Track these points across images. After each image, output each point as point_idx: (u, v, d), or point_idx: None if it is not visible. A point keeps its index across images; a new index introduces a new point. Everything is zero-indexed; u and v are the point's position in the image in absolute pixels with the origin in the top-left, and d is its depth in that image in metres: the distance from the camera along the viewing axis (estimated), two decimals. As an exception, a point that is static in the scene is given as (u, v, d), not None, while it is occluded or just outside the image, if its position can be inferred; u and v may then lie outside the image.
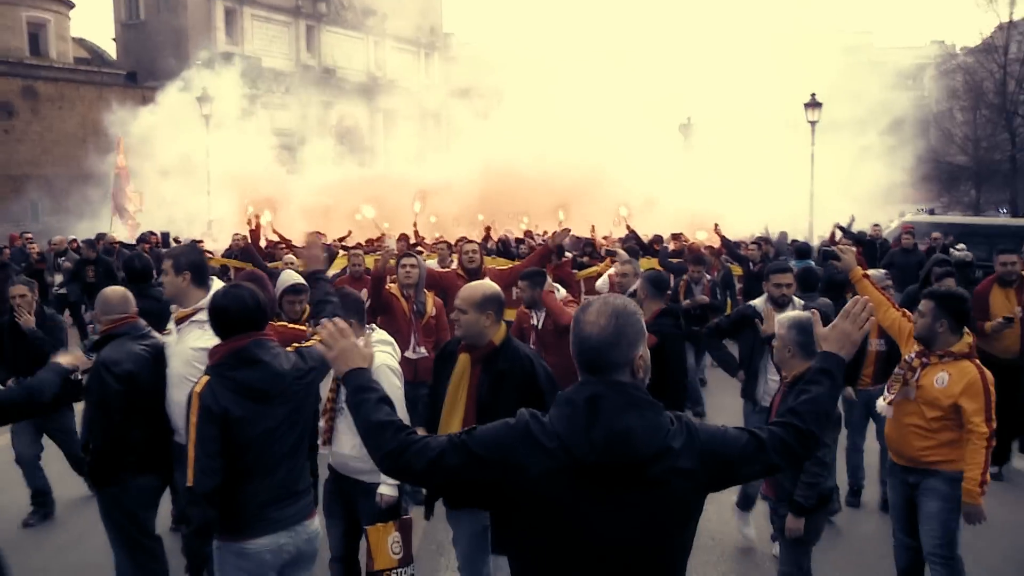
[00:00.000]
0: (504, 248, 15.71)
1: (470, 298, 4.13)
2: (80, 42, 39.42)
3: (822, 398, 2.60)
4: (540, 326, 6.53)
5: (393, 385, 4.23)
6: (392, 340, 4.83)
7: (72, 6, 36.18)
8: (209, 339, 3.83)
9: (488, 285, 4.38)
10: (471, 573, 4.49)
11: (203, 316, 4.11)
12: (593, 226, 16.72)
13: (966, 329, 4.70)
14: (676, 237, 15.79)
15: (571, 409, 2.35)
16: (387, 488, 4.34)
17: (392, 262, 7.25)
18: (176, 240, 18.24)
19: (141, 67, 37.06)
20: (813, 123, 23.12)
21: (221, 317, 3.55)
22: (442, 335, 6.79)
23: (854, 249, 6.69)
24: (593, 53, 29.47)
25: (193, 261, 4.38)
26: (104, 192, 24.44)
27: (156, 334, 4.60)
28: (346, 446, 4.31)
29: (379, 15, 46.83)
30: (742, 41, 29.14)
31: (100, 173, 25.85)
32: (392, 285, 7.00)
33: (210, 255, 13.99)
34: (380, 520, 4.21)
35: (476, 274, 7.63)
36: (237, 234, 15.42)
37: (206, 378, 3.44)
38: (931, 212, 25.90)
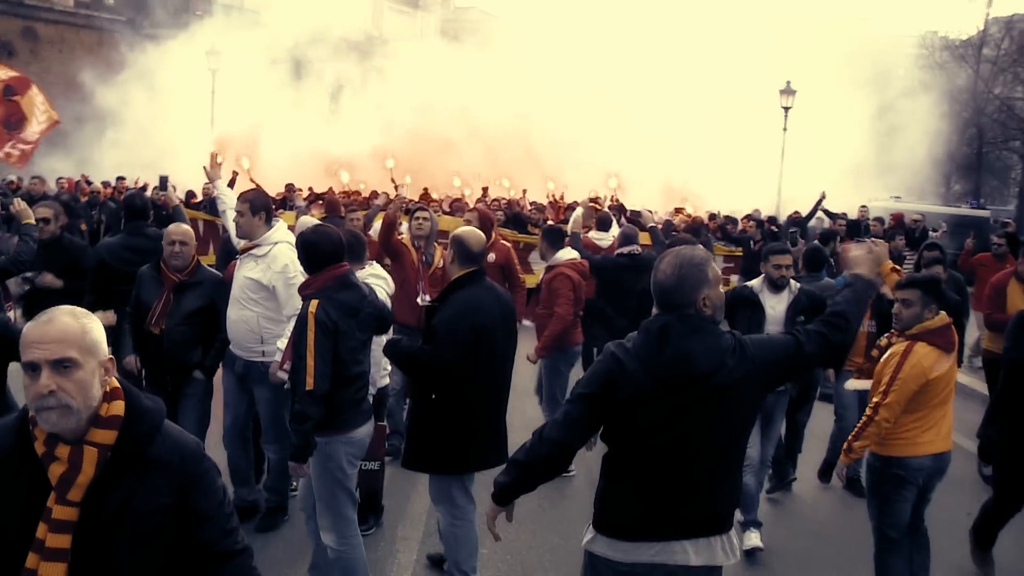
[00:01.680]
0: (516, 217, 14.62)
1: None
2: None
3: (849, 299, 3.18)
4: (540, 281, 7.25)
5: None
6: (387, 275, 5.80)
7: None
8: (260, 272, 5.03)
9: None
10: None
11: (260, 251, 5.16)
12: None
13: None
14: (679, 211, 15.79)
15: (646, 336, 3.00)
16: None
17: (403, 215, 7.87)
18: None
19: (140, 13, 37.43)
20: (787, 108, 24.08)
21: (312, 250, 4.33)
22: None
23: (885, 243, 6.44)
24: (581, 26, 29.79)
25: (265, 204, 5.35)
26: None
27: None
28: None
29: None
30: (727, 21, 29.68)
31: (100, 115, 26.60)
32: (404, 235, 7.39)
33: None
34: None
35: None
36: (207, 183, 15.17)
37: (316, 301, 4.19)
38: (897, 199, 26.88)
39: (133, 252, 6.23)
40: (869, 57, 29.50)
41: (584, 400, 3.05)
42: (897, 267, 5.73)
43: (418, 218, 7.29)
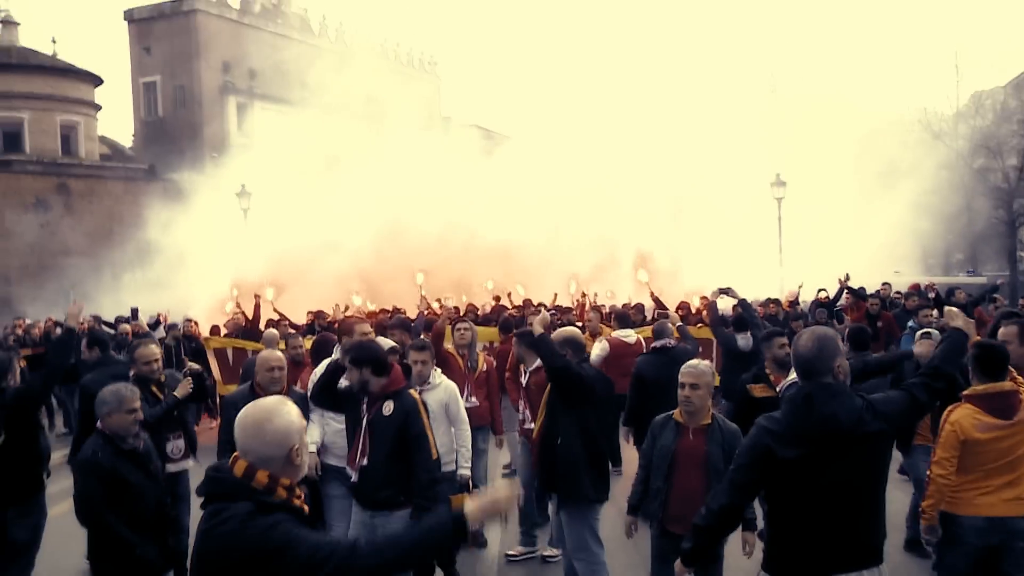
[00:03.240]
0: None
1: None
2: (102, 140, 41.99)
3: (944, 351, 3.89)
4: (526, 383, 7.12)
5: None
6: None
7: (99, 108, 38.92)
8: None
9: (570, 332, 6.14)
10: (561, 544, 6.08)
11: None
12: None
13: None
14: (775, 302, 15.30)
15: (793, 405, 3.54)
16: (464, 471, 6.12)
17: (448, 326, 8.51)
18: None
19: (159, 161, 39.58)
20: (779, 199, 25.30)
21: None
22: (492, 387, 7.84)
23: (958, 311, 6.64)
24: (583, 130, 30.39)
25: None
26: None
27: None
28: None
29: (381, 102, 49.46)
30: (713, 107, 30.70)
31: (126, 260, 28.03)
32: (448, 344, 7.93)
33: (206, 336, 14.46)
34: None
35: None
36: (237, 311, 15.59)
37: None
38: (897, 273, 27.53)
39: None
40: (858, 137, 30.44)
41: (746, 469, 3.59)
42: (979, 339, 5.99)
43: (459, 329, 8.04)
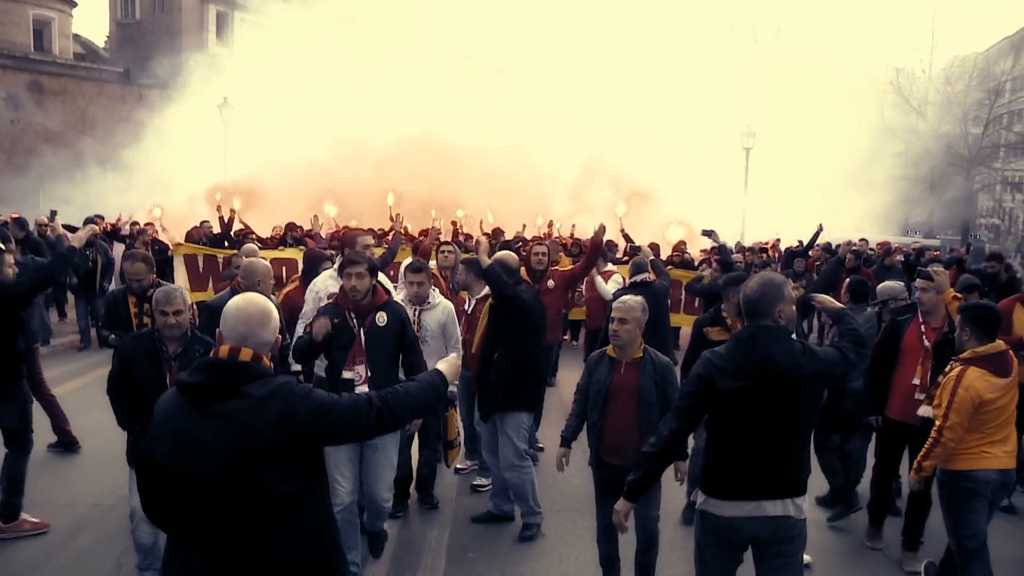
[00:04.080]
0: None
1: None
2: (76, 38, 41.20)
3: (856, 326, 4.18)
4: (470, 311, 7.19)
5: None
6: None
7: (75, 5, 38.04)
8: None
9: (503, 256, 6.43)
10: (492, 463, 6.46)
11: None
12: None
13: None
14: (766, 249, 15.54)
15: (737, 342, 3.79)
16: (452, 388, 5.99)
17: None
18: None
19: (134, 64, 39.00)
20: (748, 149, 25.82)
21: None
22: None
23: (946, 271, 6.64)
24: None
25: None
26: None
27: None
28: None
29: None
30: (695, 59, 30.89)
31: (97, 162, 27.97)
32: (432, 265, 8.00)
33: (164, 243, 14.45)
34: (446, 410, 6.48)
35: (543, 276, 8.44)
36: (205, 222, 15.76)
37: None
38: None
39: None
40: (831, 95, 30.84)
41: (690, 396, 3.89)
42: (959, 295, 6.23)
43: (443, 251, 8.42)
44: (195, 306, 6.55)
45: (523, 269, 9.35)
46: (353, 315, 5.27)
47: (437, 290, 6.64)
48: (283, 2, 34.80)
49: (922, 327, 6.03)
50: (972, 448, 4.91)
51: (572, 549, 5.94)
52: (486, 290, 6.94)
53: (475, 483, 7.28)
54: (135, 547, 5.15)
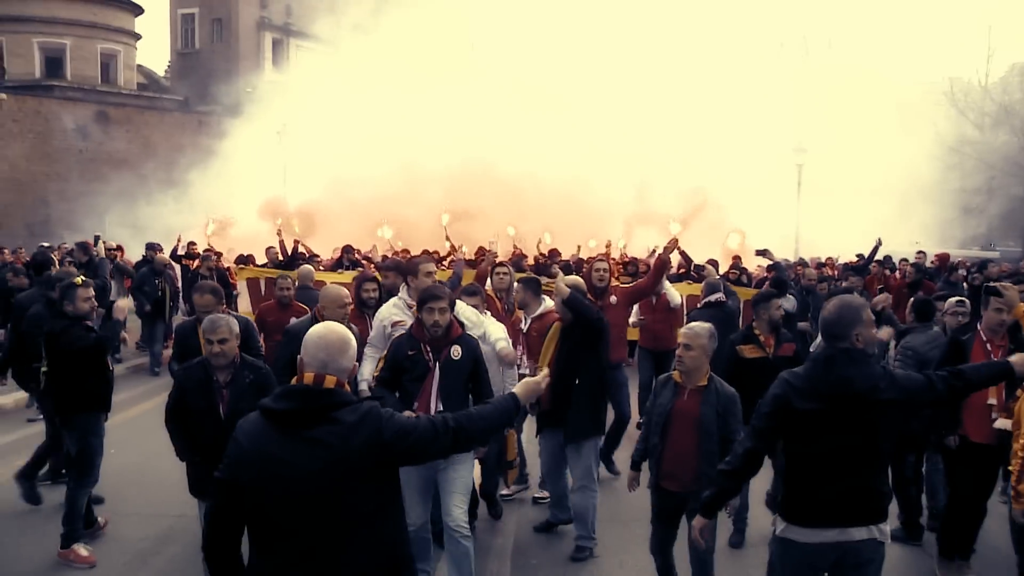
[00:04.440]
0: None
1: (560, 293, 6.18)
2: (139, 68, 42.62)
3: (980, 369, 3.96)
4: (526, 330, 7.23)
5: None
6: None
7: (139, 37, 39.50)
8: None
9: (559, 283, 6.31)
10: (553, 479, 6.67)
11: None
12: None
13: None
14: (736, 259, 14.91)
15: (814, 364, 3.79)
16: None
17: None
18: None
19: (194, 92, 40.24)
20: (800, 165, 25.69)
21: None
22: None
23: (1016, 287, 6.49)
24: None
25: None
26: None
27: None
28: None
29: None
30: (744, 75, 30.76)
31: (160, 188, 28.86)
32: (487, 287, 8.00)
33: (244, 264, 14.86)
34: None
35: (604, 293, 8.22)
36: (271, 247, 15.68)
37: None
38: (916, 243, 27.66)
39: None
40: (885, 107, 30.41)
41: (766, 416, 3.85)
42: None
43: (499, 273, 8.26)
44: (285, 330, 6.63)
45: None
46: (429, 348, 5.32)
47: (488, 313, 6.66)
48: (336, 28, 35.62)
49: (987, 345, 5.89)
50: None
51: (631, 556, 6.11)
52: (541, 308, 7.09)
53: (536, 496, 7.42)
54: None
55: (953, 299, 7.15)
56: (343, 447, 2.95)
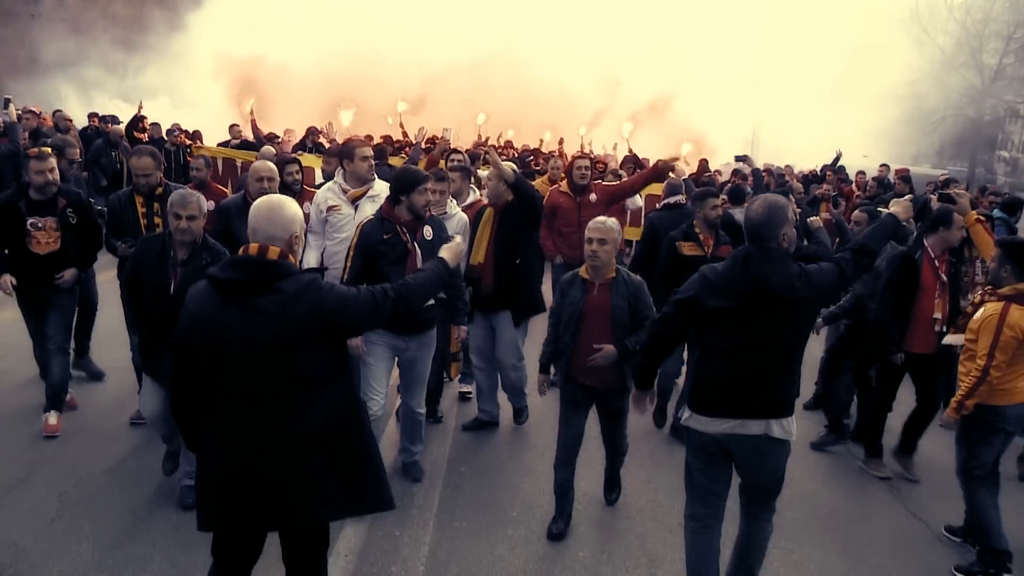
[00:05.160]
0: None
1: (492, 174, 6.31)
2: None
3: (879, 229, 4.12)
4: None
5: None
6: None
7: None
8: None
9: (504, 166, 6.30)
10: (487, 369, 6.75)
11: (373, 192, 6.13)
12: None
13: None
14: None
15: (732, 262, 3.78)
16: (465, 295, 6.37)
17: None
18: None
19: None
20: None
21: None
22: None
23: (967, 193, 6.68)
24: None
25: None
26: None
27: None
28: None
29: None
30: None
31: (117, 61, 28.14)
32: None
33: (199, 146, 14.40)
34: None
35: (585, 190, 8.27)
36: (235, 125, 15.98)
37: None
38: (864, 157, 28.07)
39: None
40: (848, 22, 30.41)
41: (675, 305, 3.92)
42: (981, 217, 6.02)
43: (453, 159, 8.42)
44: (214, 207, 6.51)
45: (538, 182, 9.76)
46: (405, 229, 5.34)
47: (454, 201, 6.70)
48: None
49: (936, 261, 6.09)
50: (1006, 384, 4.91)
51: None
52: (471, 198, 7.13)
53: (462, 390, 7.57)
54: (167, 453, 5.52)
55: (856, 210, 7.36)
56: (284, 316, 3.11)
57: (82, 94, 25.30)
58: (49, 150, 6.37)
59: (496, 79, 23.24)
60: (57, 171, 6.22)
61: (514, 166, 6.64)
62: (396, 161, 10.78)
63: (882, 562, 5.20)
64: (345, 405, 3.36)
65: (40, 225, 6.18)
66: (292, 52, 24.19)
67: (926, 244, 6.15)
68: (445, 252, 3.79)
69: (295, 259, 3.31)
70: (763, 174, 13.93)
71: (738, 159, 11.48)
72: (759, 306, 3.71)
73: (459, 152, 8.42)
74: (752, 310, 3.72)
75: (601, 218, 5.12)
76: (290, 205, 3.35)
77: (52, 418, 6.38)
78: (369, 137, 15.35)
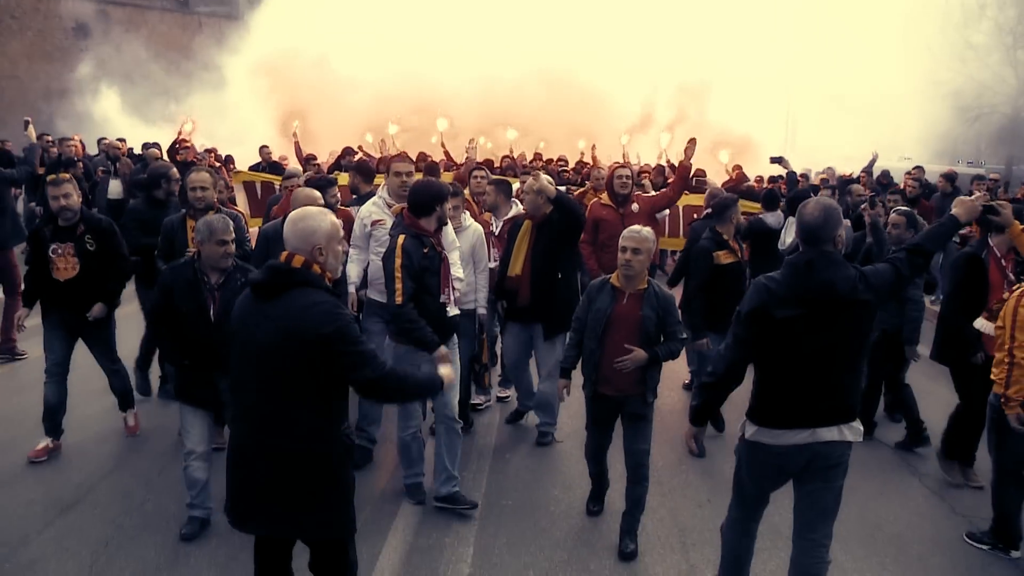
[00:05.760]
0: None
1: (532, 188, 6.46)
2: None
3: (932, 233, 4.04)
4: (497, 232, 7.33)
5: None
6: None
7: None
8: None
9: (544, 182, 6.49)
10: (518, 373, 7.06)
11: None
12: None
13: None
14: (736, 168, 14.34)
15: (795, 268, 3.71)
16: (482, 310, 6.70)
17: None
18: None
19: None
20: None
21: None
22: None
23: (1009, 204, 6.35)
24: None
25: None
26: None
27: None
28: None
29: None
30: None
31: (167, 89, 28.96)
32: (466, 190, 7.92)
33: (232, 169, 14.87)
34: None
35: (627, 201, 8.34)
36: (264, 146, 16.27)
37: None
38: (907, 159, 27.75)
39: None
40: (883, 21, 30.23)
41: (747, 326, 3.80)
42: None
43: (476, 176, 8.40)
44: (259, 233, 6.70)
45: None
46: (436, 241, 5.41)
47: (468, 213, 6.74)
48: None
49: (1002, 261, 6.11)
50: None
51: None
52: (512, 211, 7.29)
53: (499, 395, 7.87)
54: (187, 483, 5.26)
55: (893, 212, 7.43)
56: (286, 325, 3.31)
57: (125, 119, 26.01)
58: (67, 175, 6.43)
59: (528, 89, 23.34)
60: (75, 196, 6.25)
61: (552, 181, 6.77)
62: (447, 177, 11.04)
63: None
64: (321, 446, 3.42)
65: (60, 251, 6.22)
66: (340, 67, 24.36)
67: (991, 244, 6.18)
68: (444, 370, 3.94)
69: (322, 270, 3.44)
70: (799, 178, 13.86)
71: (773, 160, 11.53)
72: (825, 311, 3.68)
73: (483, 168, 8.48)
74: (819, 316, 3.68)
75: (636, 227, 5.15)
76: (314, 218, 3.48)
77: (131, 419, 6.93)
78: (424, 155, 15.38)
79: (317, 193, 6.13)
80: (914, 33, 31.04)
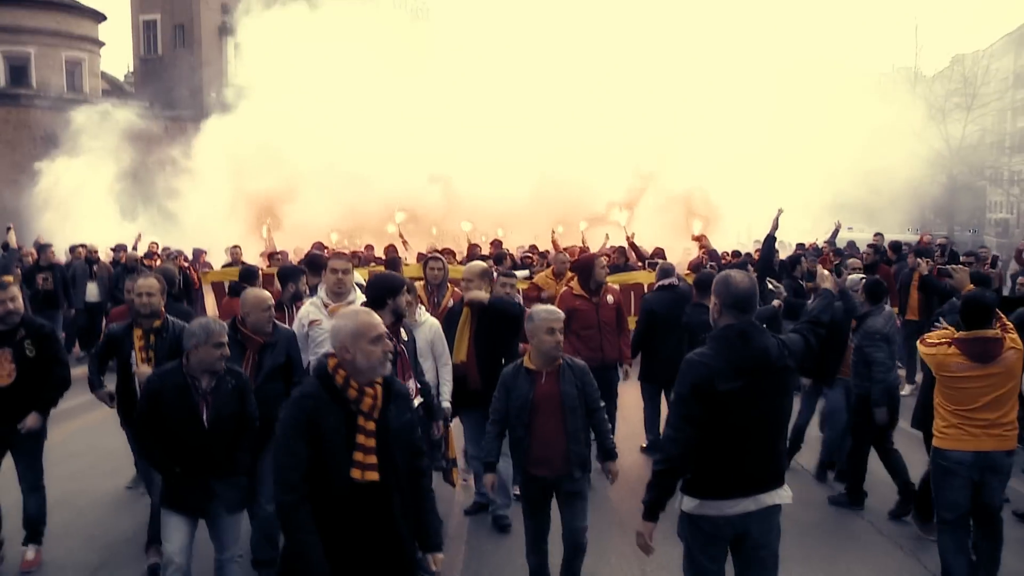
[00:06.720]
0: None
1: (472, 273, 6.56)
2: (102, 75, 42.84)
3: (823, 303, 4.27)
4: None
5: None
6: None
7: (103, 44, 39.89)
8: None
9: (482, 265, 6.74)
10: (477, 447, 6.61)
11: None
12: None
13: None
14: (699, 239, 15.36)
15: (728, 341, 3.74)
16: (446, 403, 6.26)
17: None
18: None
19: (157, 98, 40.62)
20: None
21: None
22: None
23: (966, 269, 6.84)
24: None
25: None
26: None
27: None
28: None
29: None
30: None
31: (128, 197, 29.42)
32: (419, 283, 7.65)
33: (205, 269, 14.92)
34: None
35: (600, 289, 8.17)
36: (235, 247, 16.02)
37: None
38: (849, 229, 28.54)
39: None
40: (834, 96, 31.34)
41: (692, 403, 3.73)
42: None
43: (431, 267, 7.99)
44: None
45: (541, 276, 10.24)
46: (390, 334, 5.44)
47: (423, 307, 6.61)
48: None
49: None
50: (948, 428, 5.14)
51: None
52: (448, 301, 7.35)
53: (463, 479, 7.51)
54: None
55: (855, 276, 7.70)
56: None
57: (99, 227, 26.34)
58: (10, 279, 6.04)
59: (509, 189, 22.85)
60: (19, 300, 5.91)
61: (485, 295, 6.80)
62: (412, 270, 11.13)
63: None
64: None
65: None
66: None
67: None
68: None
69: (347, 371, 3.48)
70: (722, 256, 14.78)
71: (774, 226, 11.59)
72: (761, 379, 3.74)
73: (439, 259, 8.19)
74: (756, 385, 3.73)
75: (552, 307, 5.33)
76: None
77: (31, 553, 6.02)
78: (392, 248, 15.86)
79: (266, 294, 5.91)
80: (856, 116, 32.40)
